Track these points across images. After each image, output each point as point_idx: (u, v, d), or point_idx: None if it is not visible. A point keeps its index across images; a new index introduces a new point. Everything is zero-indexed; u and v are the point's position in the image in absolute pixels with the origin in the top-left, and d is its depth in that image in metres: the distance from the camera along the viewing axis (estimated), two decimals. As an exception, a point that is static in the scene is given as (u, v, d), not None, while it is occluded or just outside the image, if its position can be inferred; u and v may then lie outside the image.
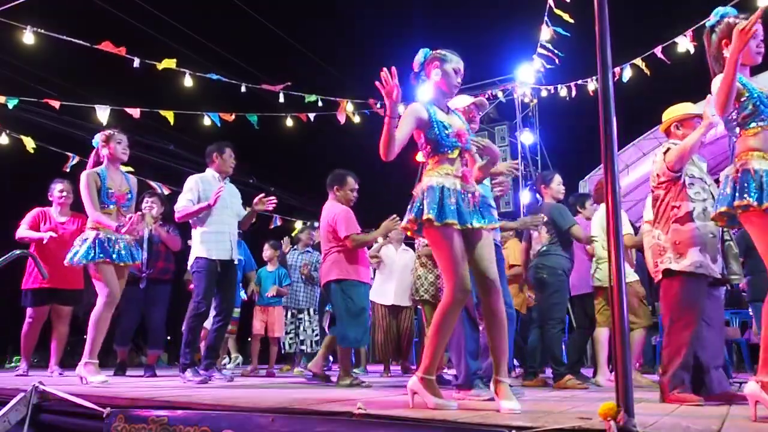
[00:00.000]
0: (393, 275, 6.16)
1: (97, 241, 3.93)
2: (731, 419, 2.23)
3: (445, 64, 2.75)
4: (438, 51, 2.79)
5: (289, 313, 6.43)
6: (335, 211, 4.52)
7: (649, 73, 7.55)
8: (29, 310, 5.22)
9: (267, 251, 6.42)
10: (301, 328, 6.44)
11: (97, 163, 4.18)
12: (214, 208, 4.42)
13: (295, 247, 6.75)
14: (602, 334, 4.85)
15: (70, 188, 5.41)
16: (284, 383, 4.64)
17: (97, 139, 4.20)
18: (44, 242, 5.04)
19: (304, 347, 6.47)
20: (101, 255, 3.91)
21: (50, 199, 5.41)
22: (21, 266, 5.20)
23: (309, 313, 6.52)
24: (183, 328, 4.47)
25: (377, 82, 2.53)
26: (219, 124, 7.59)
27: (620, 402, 1.70)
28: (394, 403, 2.67)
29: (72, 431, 2.69)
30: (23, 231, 5.21)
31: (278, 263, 6.43)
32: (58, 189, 5.39)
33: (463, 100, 3.42)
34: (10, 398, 2.76)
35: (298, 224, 9.77)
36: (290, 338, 6.43)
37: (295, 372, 6.44)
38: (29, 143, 6.93)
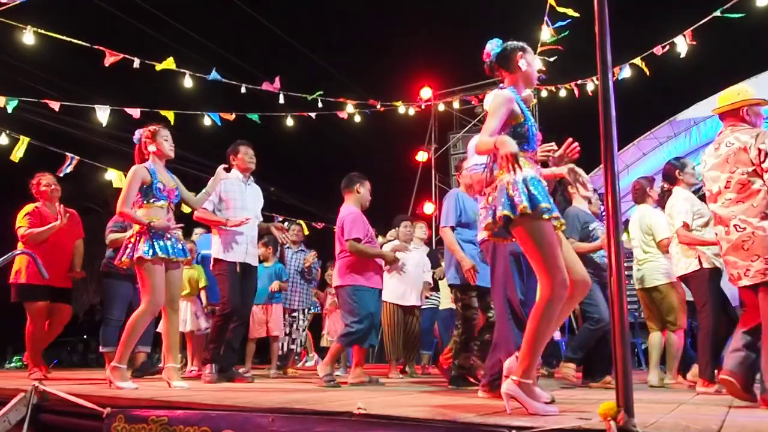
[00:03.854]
0: (405, 275, 6.04)
1: (152, 237, 3.77)
2: (731, 419, 2.23)
3: (527, 55, 2.66)
4: (516, 42, 2.69)
5: (285, 312, 6.36)
6: (346, 212, 4.60)
7: (648, 73, 7.54)
8: (32, 307, 4.89)
9: (260, 249, 6.33)
10: (294, 326, 6.42)
11: (142, 159, 4.05)
12: (233, 210, 4.57)
13: (288, 246, 6.67)
14: (655, 337, 4.79)
15: (56, 181, 5.22)
16: (284, 383, 4.63)
17: (140, 136, 4.06)
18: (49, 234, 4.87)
19: (294, 346, 6.45)
20: (158, 252, 3.74)
21: (35, 194, 5.11)
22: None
23: (303, 313, 6.51)
24: (210, 326, 4.69)
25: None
26: (219, 123, 7.59)
27: (620, 402, 1.70)
28: (394, 403, 2.67)
29: (72, 431, 2.69)
30: (31, 231, 4.88)
31: (276, 260, 6.38)
32: (44, 183, 5.11)
33: None
34: (10, 398, 2.76)
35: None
36: (287, 338, 6.39)
37: (289, 372, 6.38)
38: (23, 146, 6.83)
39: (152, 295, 3.72)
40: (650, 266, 4.70)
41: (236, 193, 4.69)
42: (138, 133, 4.10)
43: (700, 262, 4.14)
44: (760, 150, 2.88)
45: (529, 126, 2.53)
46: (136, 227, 3.84)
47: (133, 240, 3.80)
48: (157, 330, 6.14)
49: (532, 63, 2.67)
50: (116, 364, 3.57)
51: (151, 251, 3.72)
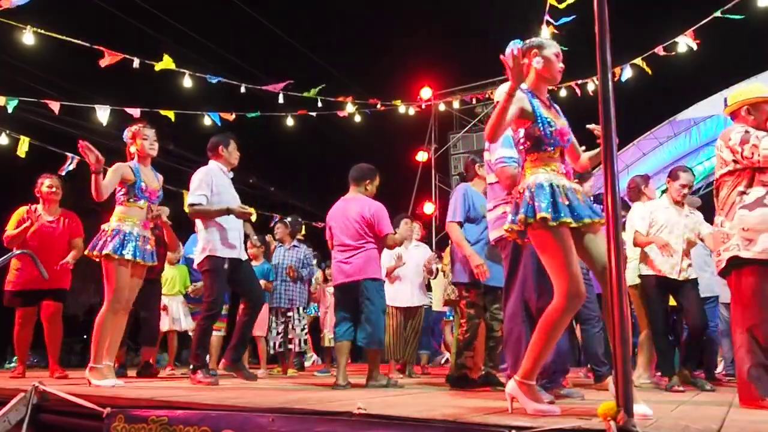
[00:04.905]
0: (406, 275, 5.91)
1: (125, 236, 3.83)
2: (731, 419, 2.23)
3: (544, 50, 2.61)
4: (532, 40, 2.66)
5: (278, 313, 6.26)
6: (374, 206, 4.37)
7: (650, 72, 7.53)
8: (17, 312, 5.01)
9: (251, 249, 6.19)
10: (290, 326, 6.26)
11: (130, 159, 4.10)
12: (227, 203, 4.36)
13: (280, 243, 6.54)
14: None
15: (59, 184, 5.16)
16: (283, 383, 4.63)
17: (126, 135, 4.14)
18: (27, 234, 4.85)
19: (291, 346, 6.28)
20: (125, 253, 3.79)
21: (37, 195, 5.11)
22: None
23: (298, 312, 6.35)
24: (194, 329, 4.45)
25: (502, 57, 2.35)
26: (219, 124, 7.58)
27: (620, 402, 1.70)
28: (394, 403, 2.67)
29: (72, 431, 2.69)
30: (10, 233, 4.95)
31: (264, 259, 6.31)
32: (46, 184, 5.06)
33: None
34: (10, 398, 2.76)
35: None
36: (280, 338, 6.23)
37: (289, 373, 6.32)
38: (23, 146, 6.81)
39: (115, 293, 3.80)
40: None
41: (226, 186, 4.48)
42: (126, 132, 4.17)
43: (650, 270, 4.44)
44: (731, 149, 2.94)
45: (543, 128, 2.47)
46: (113, 221, 3.90)
47: (105, 234, 3.86)
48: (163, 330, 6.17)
49: (550, 57, 2.61)
50: (93, 364, 3.68)
51: (119, 251, 3.79)
